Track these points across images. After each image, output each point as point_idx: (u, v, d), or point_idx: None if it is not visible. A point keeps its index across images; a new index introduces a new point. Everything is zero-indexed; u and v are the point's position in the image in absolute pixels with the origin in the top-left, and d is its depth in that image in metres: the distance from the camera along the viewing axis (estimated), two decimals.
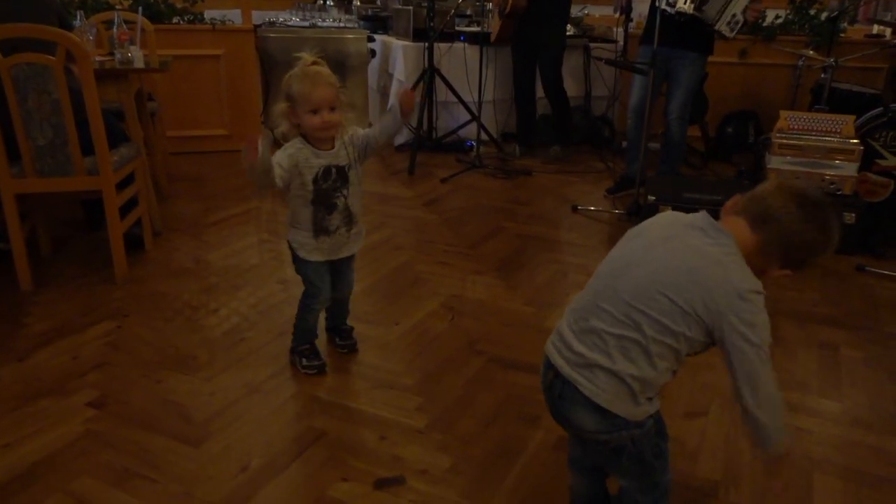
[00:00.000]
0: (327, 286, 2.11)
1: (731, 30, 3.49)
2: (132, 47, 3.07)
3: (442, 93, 4.89)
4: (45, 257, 2.94)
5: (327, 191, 1.97)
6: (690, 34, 3.64)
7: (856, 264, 3.12)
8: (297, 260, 2.07)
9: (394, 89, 4.93)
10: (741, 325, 1.15)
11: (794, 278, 2.95)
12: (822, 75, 3.88)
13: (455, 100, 4.85)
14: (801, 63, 4.30)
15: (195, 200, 3.78)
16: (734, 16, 3.45)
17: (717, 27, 3.49)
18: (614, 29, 5.25)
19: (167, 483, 1.65)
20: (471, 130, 4.88)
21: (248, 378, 2.10)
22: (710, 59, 3.84)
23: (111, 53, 3.02)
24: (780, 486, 1.71)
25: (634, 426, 1.24)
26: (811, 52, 4.21)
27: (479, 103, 4.62)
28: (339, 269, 2.14)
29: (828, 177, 3.26)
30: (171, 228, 3.32)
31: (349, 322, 2.33)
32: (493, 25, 4.86)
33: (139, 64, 2.99)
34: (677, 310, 1.17)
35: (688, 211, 1.34)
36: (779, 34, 4.96)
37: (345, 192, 2.01)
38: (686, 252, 1.21)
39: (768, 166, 3.36)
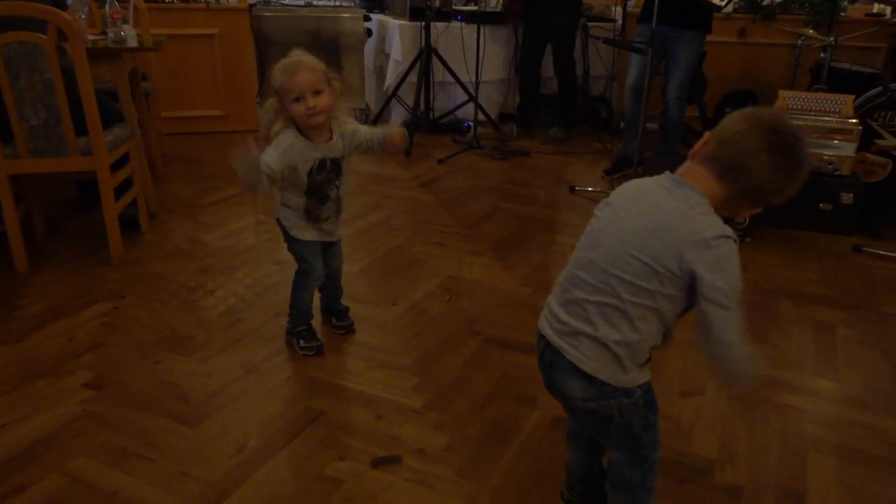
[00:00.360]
0: (321, 263, 2.11)
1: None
2: (125, 26, 3.03)
3: (439, 73, 4.86)
4: (41, 239, 2.93)
5: (321, 183, 1.97)
6: (689, 12, 3.61)
7: (853, 244, 3.12)
8: (289, 239, 2.06)
9: (391, 69, 4.89)
10: (709, 271, 1.14)
11: (790, 258, 2.97)
12: (822, 55, 3.85)
13: (452, 80, 4.82)
14: (800, 42, 4.27)
15: (191, 181, 3.76)
16: None
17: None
18: (612, 8, 5.20)
19: (165, 463, 1.65)
20: (468, 111, 4.85)
21: (245, 359, 2.10)
22: (709, 38, 3.81)
23: (104, 32, 2.98)
24: (774, 463, 1.72)
25: (622, 394, 1.24)
26: (811, 31, 4.17)
27: (477, 84, 4.59)
28: (329, 248, 2.15)
29: (826, 157, 3.25)
30: (166, 209, 3.31)
31: (344, 302, 2.32)
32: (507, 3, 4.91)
33: (132, 43, 2.95)
34: (649, 269, 1.17)
35: None
36: (778, 13, 4.91)
37: (337, 182, 2.01)
38: (651, 211, 1.21)
39: None
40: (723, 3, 3.52)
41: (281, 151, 1.88)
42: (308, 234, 2.04)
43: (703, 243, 1.15)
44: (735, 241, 1.17)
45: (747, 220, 3.11)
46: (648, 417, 1.31)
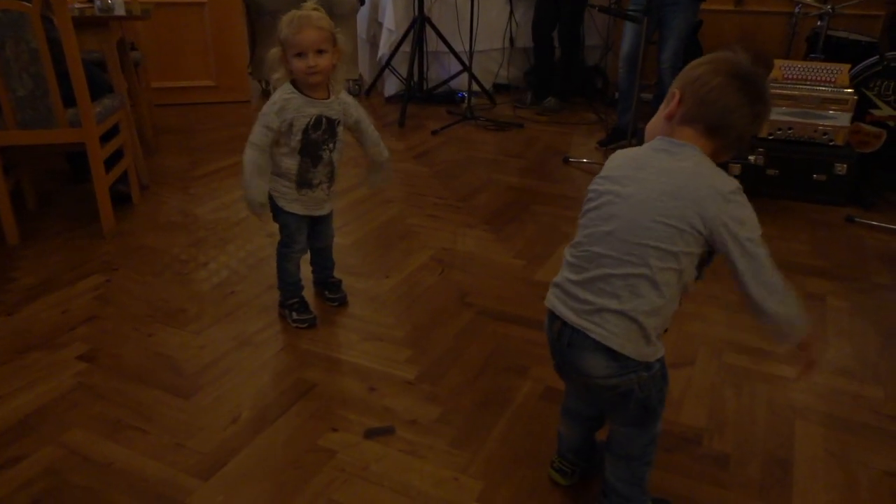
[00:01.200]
0: (304, 237, 2.11)
1: None
2: None
3: (433, 42, 4.80)
4: (32, 211, 2.92)
5: (316, 141, 1.95)
6: None
7: (845, 215, 3.12)
8: (275, 209, 2.06)
9: (384, 39, 4.83)
10: (735, 226, 1.18)
11: (783, 229, 2.97)
12: (819, 23, 3.81)
13: (446, 50, 4.76)
14: (797, 11, 4.23)
15: (182, 153, 3.73)
16: None
17: None
18: None
19: (159, 434, 1.67)
20: (462, 81, 4.81)
21: (238, 331, 2.11)
22: (706, 6, 3.77)
23: (90, 0, 2.93)
24: (761, 432, 1.74)
25: (643, 368, 1.25)
26: None
27: (471, 53, 4.54)
28: (316, 226, 2.16)
29: (821, 127, 3.24)
30: (158, 182, 3.29)
31: (337, 275, 2.32)
32: None
33: (120, 11, 2.90)
34: (675, 231, 1.19)
35: None
36: None
37: (331, 145, 2.00)
38: (662, 175, 1.23)
39: None
40: None
41: (277, 108, 1.88)
42: (296, 206, 2.04)
43: (721, 198, 1.18)
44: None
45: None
46: (664, 390, 1.32)
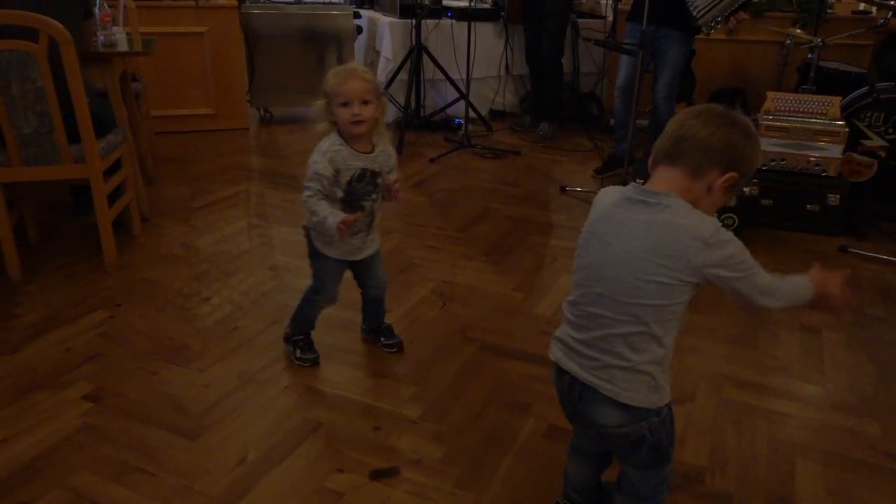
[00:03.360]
0: (335, 286, 2.08)
1: (710, 28, 3.53)
2: (115, 28, 3.03)
3: (430, 70, 4.86)
4: (34, 245, 2.92)
5: (358, 193, 1.95)
6: (677, 12, 3.62)
7: (839, 245, 3.17)
8: (313, 252, 2.04)
9: (381, 67, 4.88)
10: (724, 266, 1.19)
11: (778, 259, 3.01)
12: (809, 55, 3.89)
13: (443, 77, 4.82)
14: (788, 42, 4.30)
15: (182, 183, 3.75)
16: (717, 18, 3.48)
17: (699, 19, 3.49)
18: (602, 3, 5.21)
19: (166, 476, 1.68)
20: (459, 108, 4.86)
21: (243, 368, 2.12)
22: (699, 36, 3.83)
23: (94, 35, 2.96)
24: (763, 470, 1.77)
25: (654, 414, 1.28)
26: (798, 30, 4.20)
27: (468, 81, 4.60)
28: (364, 268, 2.11)
29: (813, 158, 3.29)
30: (159, 213, 3.31)
31: (340, 309, 2.31)
32: (505, 3, 4.92)
33: (123, 47, 2.95)
34: (667, 287, 1.20)
35: None
36: (767, 10, 4.94)
37: (374, 196, 1.99)
38: (642, 231, 1.23)
39: None
40: (709, 31, 3.55)
41: (329, 157, 1.89)
42: (333, 250, 2.01)
43: (704, 245, 1.18)
44: (724, 226, 1.23)
45: (736, 222, 3.15)
46: (672, 431, 1.34)
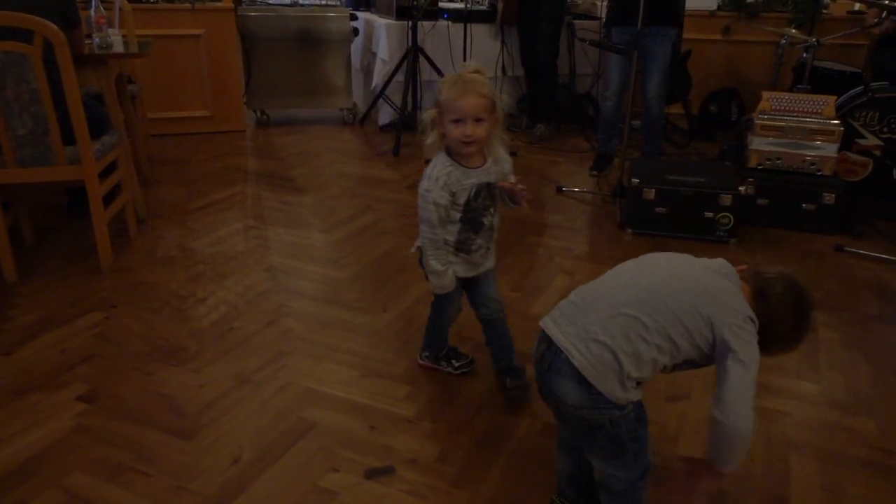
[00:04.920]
0: (458, 298, 2.02)
1: None
2: (110, 30, 3.03)
3: (426, 72, 4.86)
4: (29, 247, 2.92)
5: (477, 209, 1.85)
6: (658, 10, 3.59)
7: (835, 244, 3.17)
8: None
9: (377, 69, 4.89)
10: (736, 340, 1.29)
11: (774, 258, 3.01)
12: (804, 55, 3.90)
13: (439, 79, 4.82)
14: (783, 42, 4.32)
15: (178, 185, 3.75)
16: None
17: None
18: (598, 4, 5.22)
19: (160, 477, 1.67)
20: None
21: (238, 369, 2.12)
22: (694, 35, 3.85)
23: (89, 37, 2.96)
24: (758, 468, 1.77)
25: (615, 407, 1.29)
26: (793, 30, 4.22)
27: None
28: (475, 285, 1.99)
29: (808, 157, 3.30)
30: (155, 215, 3.31)
31: (335, 309, 2.30)
32: (500, 5, 4.90)
33: (119, 48, 2.95)
34: (700, 324, 1.30)
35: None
36: (762, 11, 4.96)
37: (492, 210, 1.89)
38: (703, 276, 1.37)
39: (750, 147, 3.39)
40: None
41: (442, 184, 1.78)
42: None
43: (739, 315, 1.32)
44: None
45: (732, 221, 3.16)
46: (637, 431, 1.34)
